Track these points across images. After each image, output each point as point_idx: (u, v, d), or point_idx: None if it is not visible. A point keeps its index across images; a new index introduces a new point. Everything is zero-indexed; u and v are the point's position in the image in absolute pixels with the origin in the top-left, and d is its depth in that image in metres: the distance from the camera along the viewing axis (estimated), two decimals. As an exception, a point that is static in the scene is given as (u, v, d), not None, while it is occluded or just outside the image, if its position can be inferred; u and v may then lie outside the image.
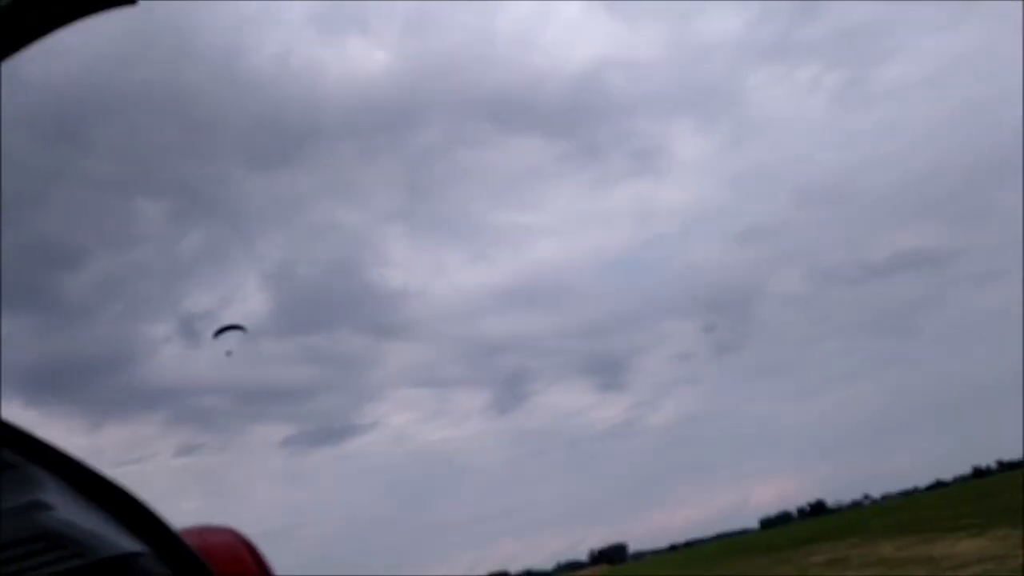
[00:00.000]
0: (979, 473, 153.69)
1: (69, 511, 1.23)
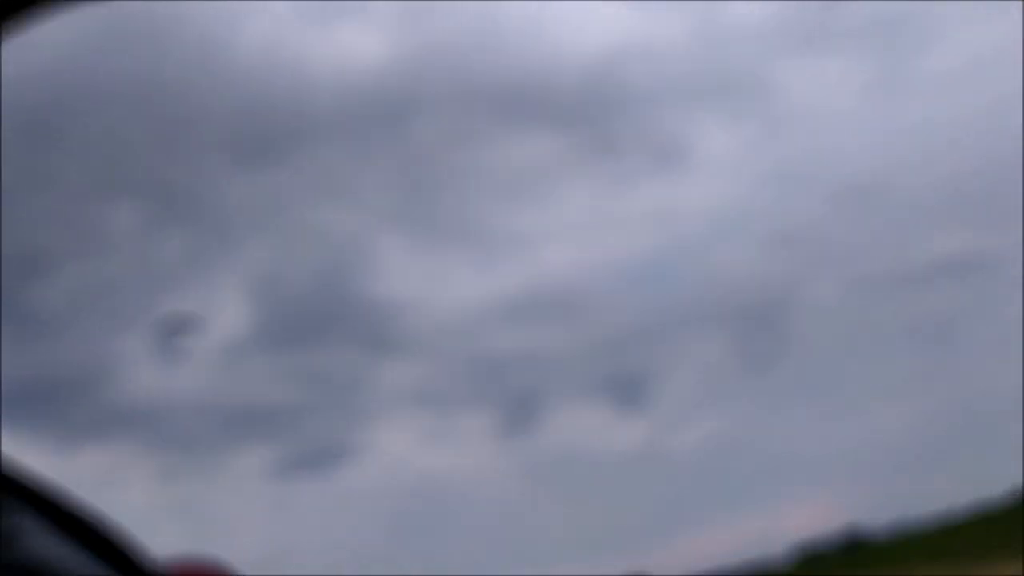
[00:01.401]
0: None
1: (44, 542, 1.13)
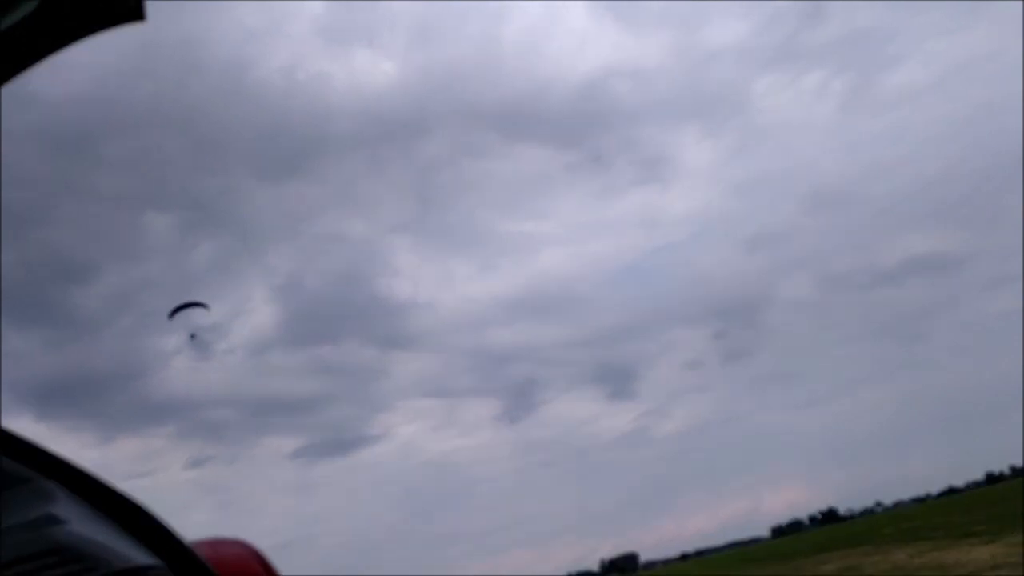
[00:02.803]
0: (992, 479, 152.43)
1: (81, 525, 1.23)
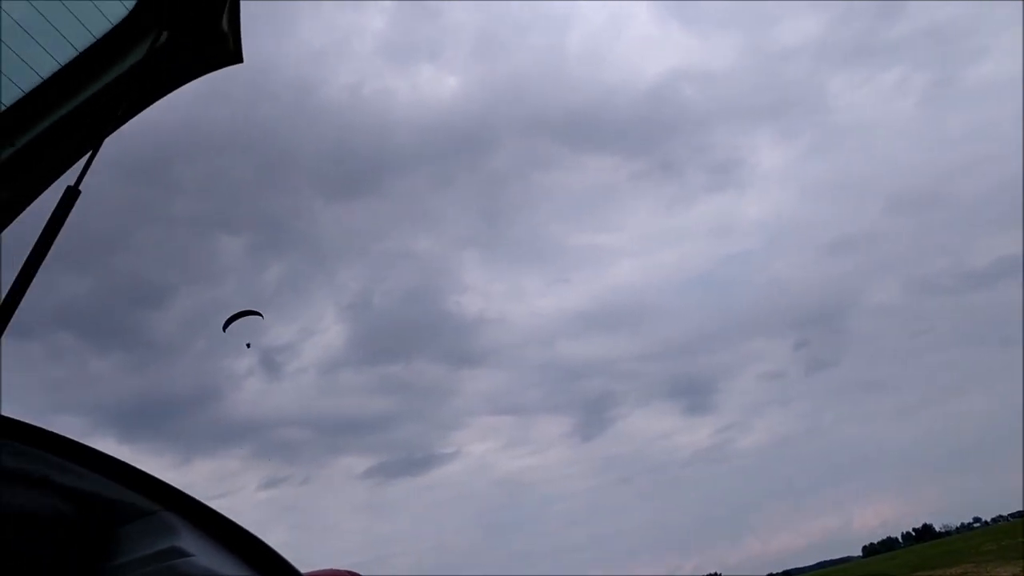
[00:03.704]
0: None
1: (205, 557, 1.27)
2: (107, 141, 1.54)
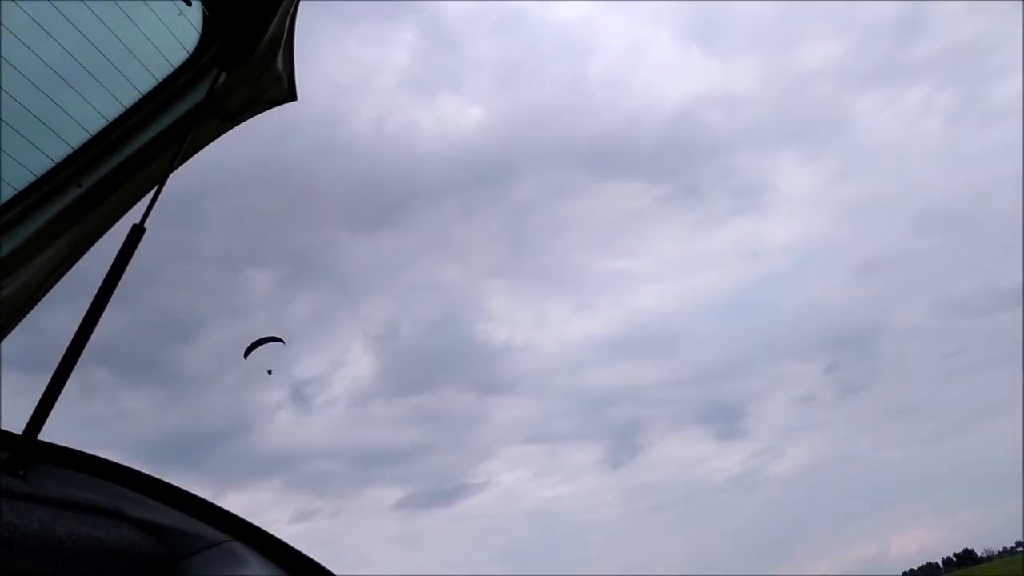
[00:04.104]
0: None
1: None
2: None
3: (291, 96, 1.77)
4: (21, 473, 1.37)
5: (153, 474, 1.43)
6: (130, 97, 1.65)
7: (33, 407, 1.43)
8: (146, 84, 1.65)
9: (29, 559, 1.03)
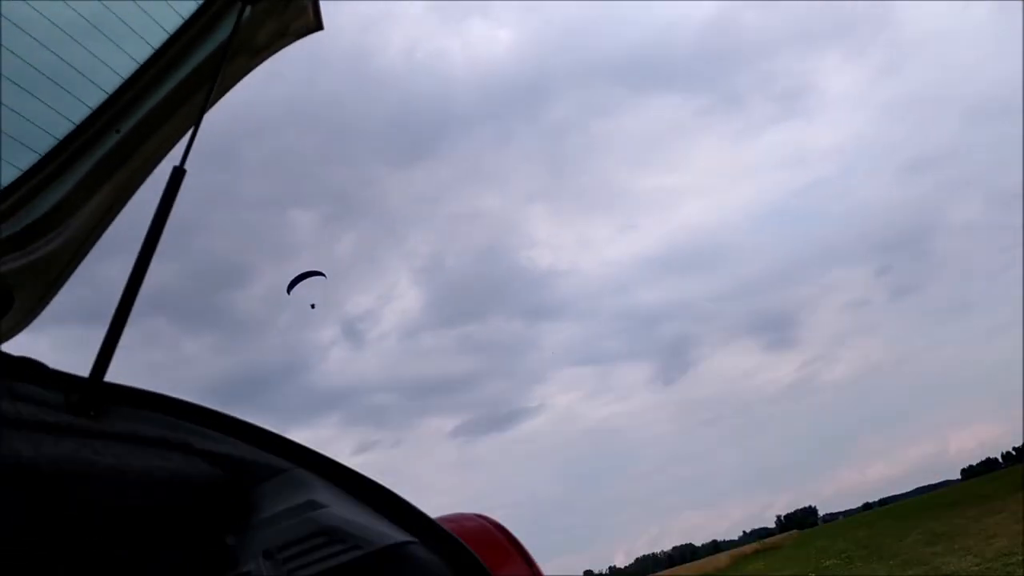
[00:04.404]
0: None
1: (340, 508, 1.33)
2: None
3: (317, 26, 1.74)
4: (92, 413, 1.42)
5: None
6: (158, 38, 1.65)
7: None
8: (172, 23, 1.64)
9: (106, 492, 1.08)
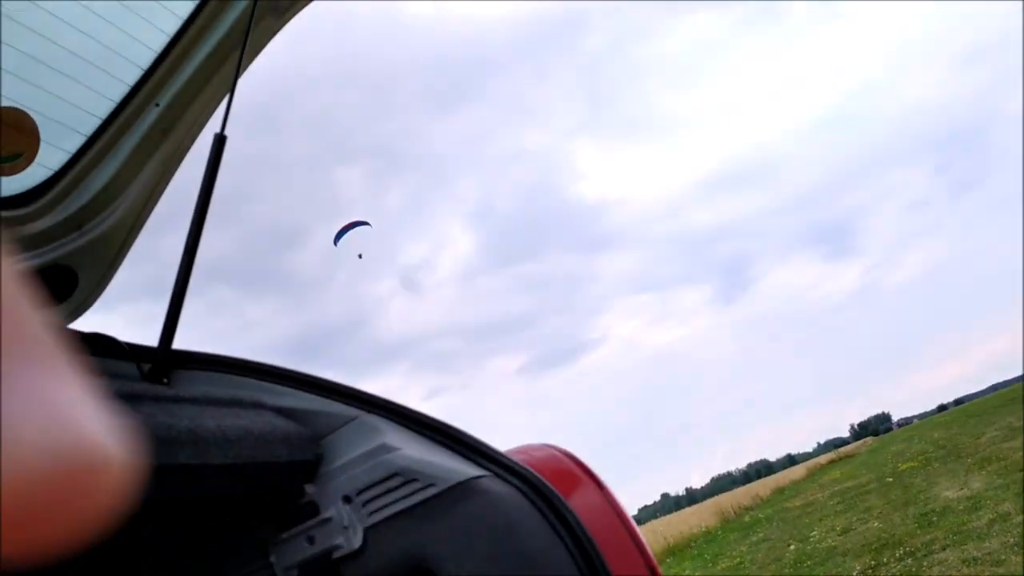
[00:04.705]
0: None
1: (412, 449, 1.37)
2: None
3: (337, -22, 1.73)
4: (165, 380, 1.48)
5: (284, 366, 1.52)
6: (185, 8, 1.66)
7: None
8: (198, -9, 1.65)
9: (185, 451, 1.13)
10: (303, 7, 1.72)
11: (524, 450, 1.45)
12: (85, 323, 1.80)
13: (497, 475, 1.32)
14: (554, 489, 1.29)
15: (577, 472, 1.41)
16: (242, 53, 1.64)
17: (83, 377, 0.28)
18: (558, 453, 1.46)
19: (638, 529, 1.35)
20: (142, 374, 1.49)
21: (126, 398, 1.18)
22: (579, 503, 1.30)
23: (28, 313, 0.26)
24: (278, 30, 1.71)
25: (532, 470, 1.32)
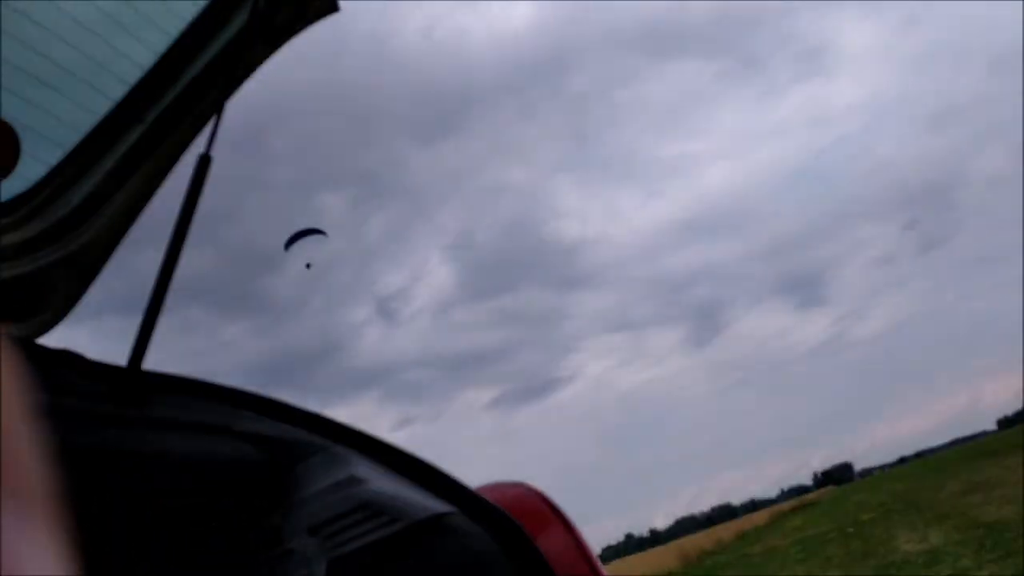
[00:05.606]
0: None
1: (380, 482, 1.35)
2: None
3: (333, 7, 1.74)
4: (133, 401, 1.46)
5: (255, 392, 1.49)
6: (176, 27, 1.65)
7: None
8: (190, 12, 1.65)
9: (150, 476, 1.11)
10: (297, 33, 1.73)
11: (495, 487, 1.44)
12: (54, 338, 1.77)
13: (466, 512, 1.30)
14: (523, 529, 1.28)
15: (547, 512, 1.40)
16: (233, 75, 1.64)
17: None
18: (528, 492, 1.45)
19: (606, 572, 1.34)
20: (109, 394, 1.46)
21: (90, 418, 1.16)
22: (548, 544, 1.29)
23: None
24: (270, 54, 1.71)
25: (501, 508, 1.31)
